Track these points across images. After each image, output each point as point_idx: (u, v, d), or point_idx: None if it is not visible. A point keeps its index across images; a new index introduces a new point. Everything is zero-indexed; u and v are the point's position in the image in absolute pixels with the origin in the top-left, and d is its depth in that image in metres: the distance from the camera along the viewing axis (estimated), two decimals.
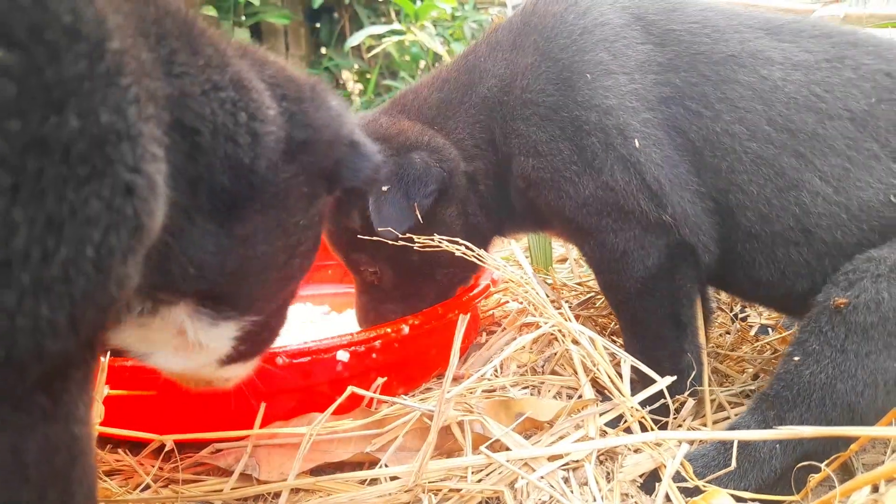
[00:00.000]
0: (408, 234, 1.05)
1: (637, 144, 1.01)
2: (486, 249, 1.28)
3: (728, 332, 1.43)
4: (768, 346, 1.35)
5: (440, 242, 1.03)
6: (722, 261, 1.06)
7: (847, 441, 0.83)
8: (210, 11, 3.46)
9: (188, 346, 0.67)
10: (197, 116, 0.55)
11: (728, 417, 1.09)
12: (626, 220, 1.04)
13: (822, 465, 0.81)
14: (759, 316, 1.50)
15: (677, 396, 1.03)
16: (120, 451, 1.02)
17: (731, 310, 1.49)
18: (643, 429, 0.91)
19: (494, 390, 1.13)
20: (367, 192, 0.80)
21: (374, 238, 1.08)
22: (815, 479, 0.83)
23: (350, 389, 0.94)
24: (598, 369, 0.94)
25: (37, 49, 0.38)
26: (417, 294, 1.25)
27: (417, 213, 1.07)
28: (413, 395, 1.19)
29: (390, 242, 1.07)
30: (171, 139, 0.51)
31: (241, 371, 0.80)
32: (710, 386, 1.10)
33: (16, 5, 0.37)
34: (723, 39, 1.03)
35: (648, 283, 1.05)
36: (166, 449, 0.97)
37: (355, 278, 1.28)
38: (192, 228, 0.57)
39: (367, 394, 0.97)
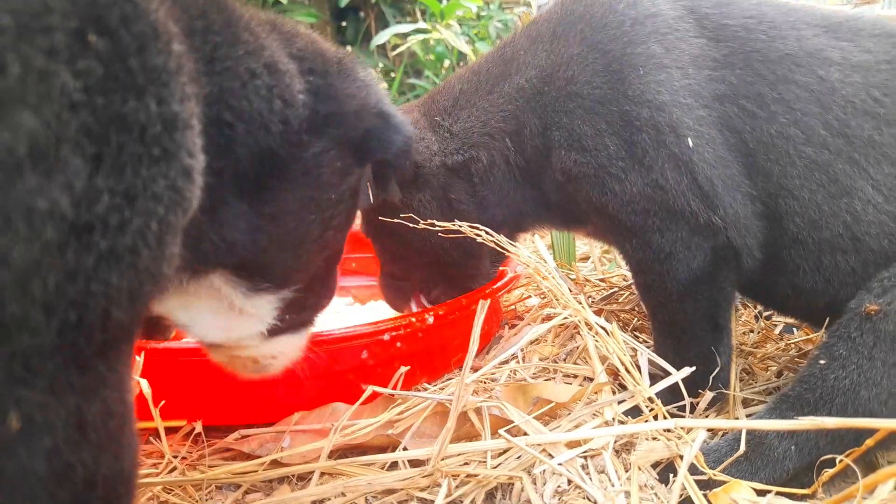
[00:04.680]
0: (430, 221, 1.06)
1: (690, 143, 0.98)
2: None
3: (752, 331, 1.42)
4: (793, 345, 1.34)
5: (461, 227, 1.02)
6: (763, 268, 1.04)
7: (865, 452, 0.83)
8: None
9: (228, 313, 0.70)
10: (234, 112, 0.58)
11: (750, 415, 1.09)
12: (674, 220, 1.01)
13: (842, 457, 0.80)
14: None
15: (700, 392, 1.03)
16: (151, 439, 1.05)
17: (755, 307, 1.48)
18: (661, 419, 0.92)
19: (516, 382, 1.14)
20: (397, 167, 0.77)
21: (396, 221, 1.11)
22: (829, 472, 0.83)
23: (370, 389, 0.97)
24: (614, 357, 0.95)
25: (126, 38, 0.42)
26: (431, 281, 1.28)
27: (370, 192, 1.08)
28: (435, 384, 1.21)
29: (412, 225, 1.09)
30: (208, 134, 0.54)
31: (287, 347, 0.80)
32: (737, 384, 1.10)
33: None
34: (780, 37, 1.00)
35: (692, 285, 1.03)
36: (195, 432, 1.00)
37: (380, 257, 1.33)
38: (224, 208, 0.59)
39: (385, 391, 0.99)
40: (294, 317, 0.76)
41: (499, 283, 1.30)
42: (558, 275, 1.46)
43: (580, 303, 1.01)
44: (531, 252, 1.84)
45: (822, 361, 0.91)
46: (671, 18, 1.04)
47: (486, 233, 1.04)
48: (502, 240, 1.03)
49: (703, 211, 0.99)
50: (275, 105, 0.61)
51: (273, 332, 0.75)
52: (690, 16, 1.05)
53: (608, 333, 0.98)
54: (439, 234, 1.05)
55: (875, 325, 0.88)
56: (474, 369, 1.06)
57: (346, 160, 0.70)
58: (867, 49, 0.99)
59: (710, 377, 1.03)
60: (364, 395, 0.97)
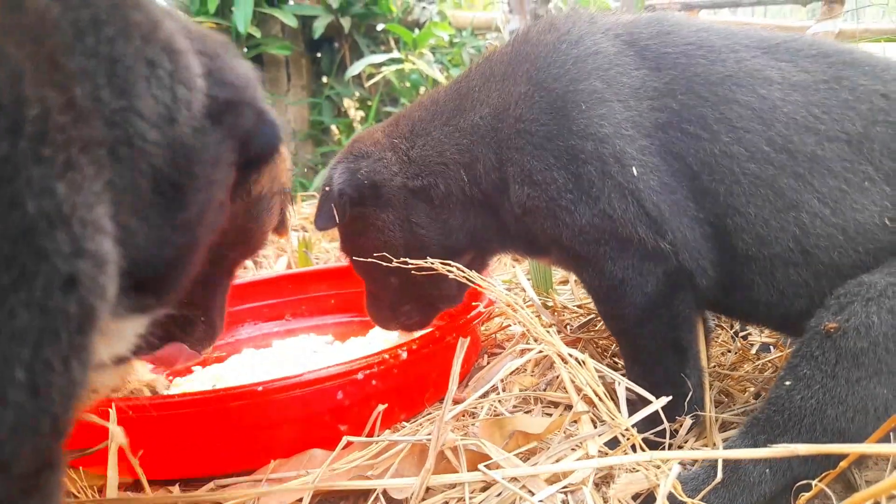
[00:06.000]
0: (403, 259, 1.08)
1: (635, 172, 1.01)
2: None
3: (729, 351, 1.43)
4: (770, 365, 1.35)
5: (433, 264, 1.04)
6: (720, 284, 1.06)
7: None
8: None
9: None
10: (143, 116, 0.48)
11: (727, 439, 1.09)
12: (624, 248, 1.04)
13: (816, 481, 0.81)
14: (760, 334, 1.50)
15: (678, 418, 1.04)
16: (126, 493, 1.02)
17: (732, 327, 1.49)
18: (638, 450, 0.91)
19: (498, 414, 1.14)
20: (267, 162, 0.67)
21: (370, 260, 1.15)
22: (805, 496, 0.83)
23: (345, 440, 0.96)
24: (588, 389, 0.95)
25: None
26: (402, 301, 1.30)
27: (335, 212, 1.14)
28: (414, 420, 1.20)
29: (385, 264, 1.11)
30: (117, 160, 0.45)
31: (108, 380, 0.68)
32: (712, 407, 1.10)
33: None
34: (719, 60, 1.03)
35: (648, 310, 1.05)
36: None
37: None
38: (138, 228, 0.50)
39: (360, 439, 0.98)
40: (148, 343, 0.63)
41: (471, 314, 1.30)
42: (537, 303, 1.48)
43: (552, 335, 1.01)
44: (509, 278, 1.85)
45: (787, 382, 0.92)
46: (612, 55, 1.07)
47: (459, 269, 1.05)
48: (474, 275, 1.05)
49: (650, 237, 1.02)
50: (179, 92, 0.52)
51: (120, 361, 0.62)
52: (630, 49, 1.08)
53: (581, 364, 0.98)
54: (405, 262, 1.06)
55: (836, 343, 0.89)
56: (455, 402, 1.06)
57: (234, 155, 0.60)
58: (805, 69, 1.01)
59: (684, 400, 1.04)
60: (340, 445, 0.95)
